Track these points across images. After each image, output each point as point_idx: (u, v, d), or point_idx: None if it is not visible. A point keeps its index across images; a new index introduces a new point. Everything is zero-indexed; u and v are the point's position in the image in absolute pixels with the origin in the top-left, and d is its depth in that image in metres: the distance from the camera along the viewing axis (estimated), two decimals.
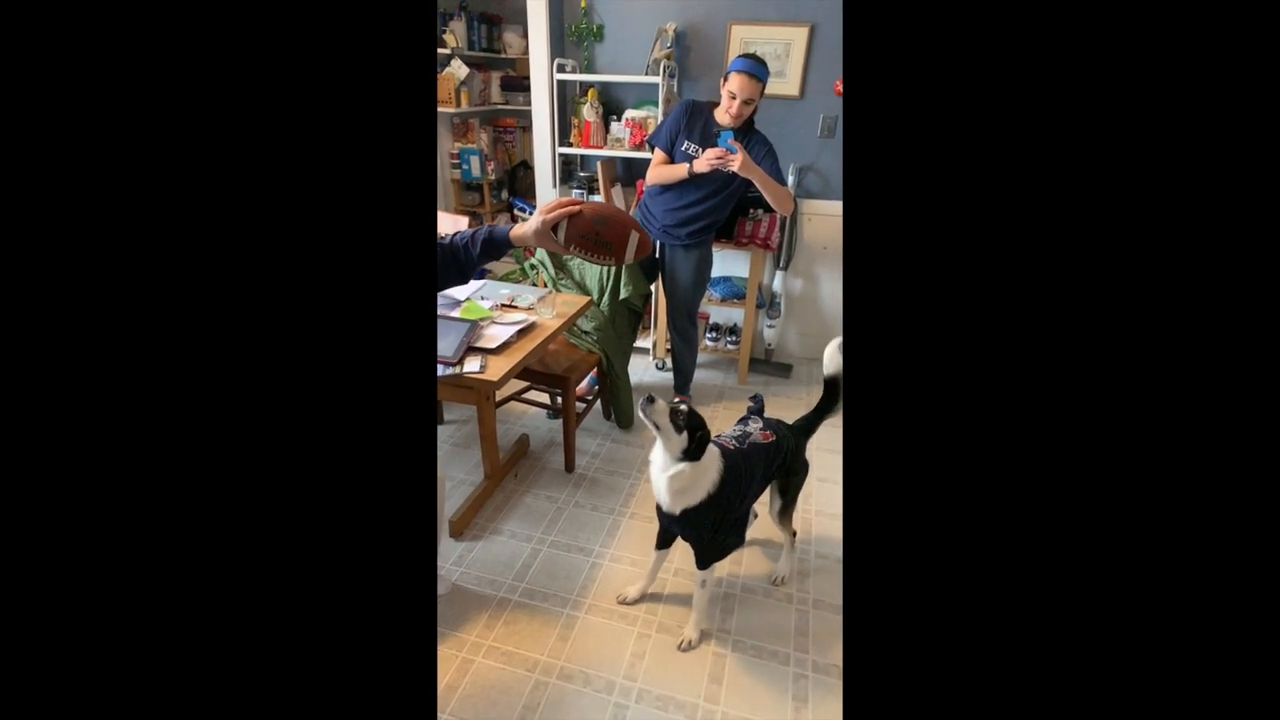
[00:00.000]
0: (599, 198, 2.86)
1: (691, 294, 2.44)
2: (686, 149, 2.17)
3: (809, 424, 1.68)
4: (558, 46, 2.87)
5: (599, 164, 2.93)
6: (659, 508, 1.51)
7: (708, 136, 2.14)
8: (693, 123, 2.17)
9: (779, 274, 2.93)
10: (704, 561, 1.53)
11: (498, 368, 1.69)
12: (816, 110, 2.72)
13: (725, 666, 1.54)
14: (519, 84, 3.53)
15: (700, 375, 2.89)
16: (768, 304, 2.98)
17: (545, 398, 2.57)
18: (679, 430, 1.36)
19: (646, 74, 2.73)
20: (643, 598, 1.71)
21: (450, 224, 2.65)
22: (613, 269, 2.34)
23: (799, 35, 2.61)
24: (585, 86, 2.90)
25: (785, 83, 2.69)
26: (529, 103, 3.00)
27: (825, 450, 2.34)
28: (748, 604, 1.72)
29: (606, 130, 2.85)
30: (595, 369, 2.38)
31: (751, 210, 2.74)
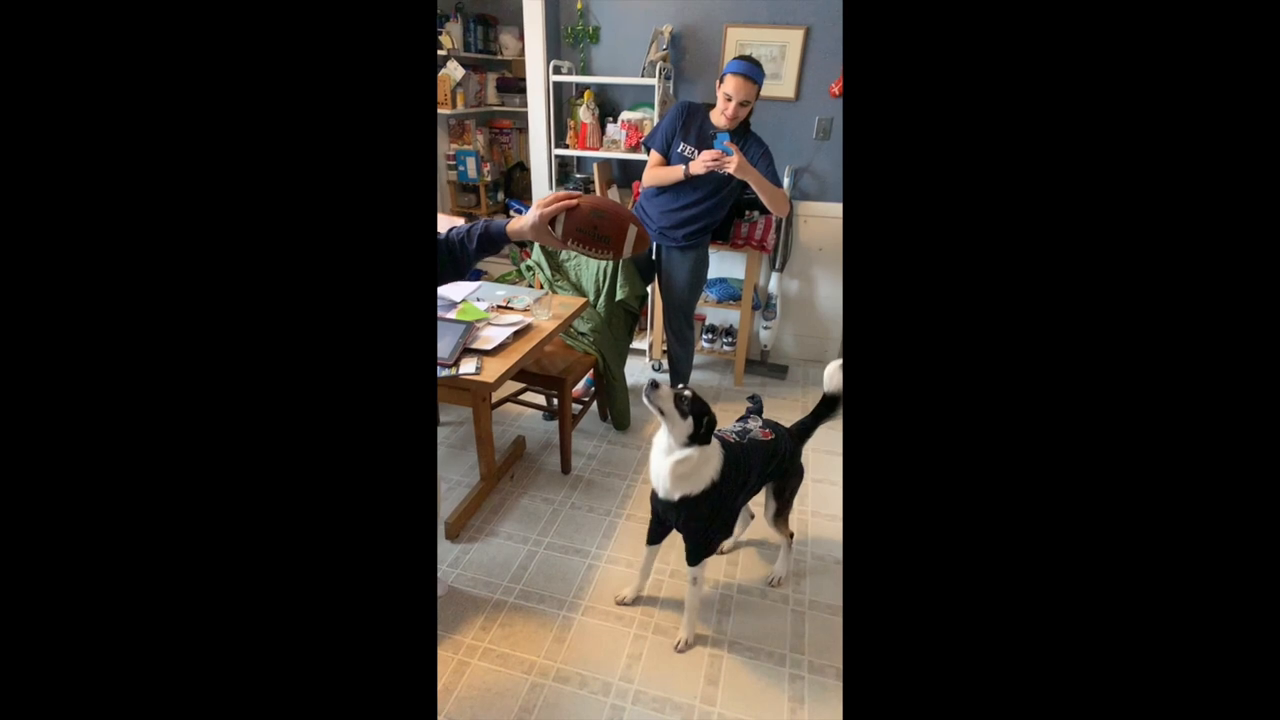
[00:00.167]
0: None
1: (688, 295, 2.44)
2: (682, 151, 2.18)
3: (805, 428, 1.68)
4: (554, 48, 2.88)
5: (595, 166, 2.93)
6: (654, 496, 1.50)
7: (704, 138, 2.14)
8: (689, 125, 2.18)
9: (775, 276, 2.94)
10: (695, 556, 1.53)
11: (494, 369, 1.69)
12: (812, 112, 2.73)
13: (722, 668, 1.54)
14: (515, 85, 3.52)
15: (697, 377, 2.89)
16: (764, 305, 2.99)
17: (541, 399, 2.56)
18: (684, 416, 1.36)
19: (642, 76, 2.74)
20: (639, 596, 1.71)
21: (446, 225, 2.64)
22: (609, 270, 2.33)
23: (794, 38, 2.62)
24: (581, 88, 2.91)
25: (780, 85, 2.69)
26: (525, 104, 3.00)
27: (822, 451, 2.35)
28: (744, 606, 1.72)
29: (602, 132, 2.85)
30: (591, 370, 2.38)
31: (747, 212, 2.75)
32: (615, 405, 2.48)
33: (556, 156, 2.96)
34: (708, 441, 1.40)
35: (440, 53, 3.18)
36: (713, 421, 1.40)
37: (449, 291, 2.08)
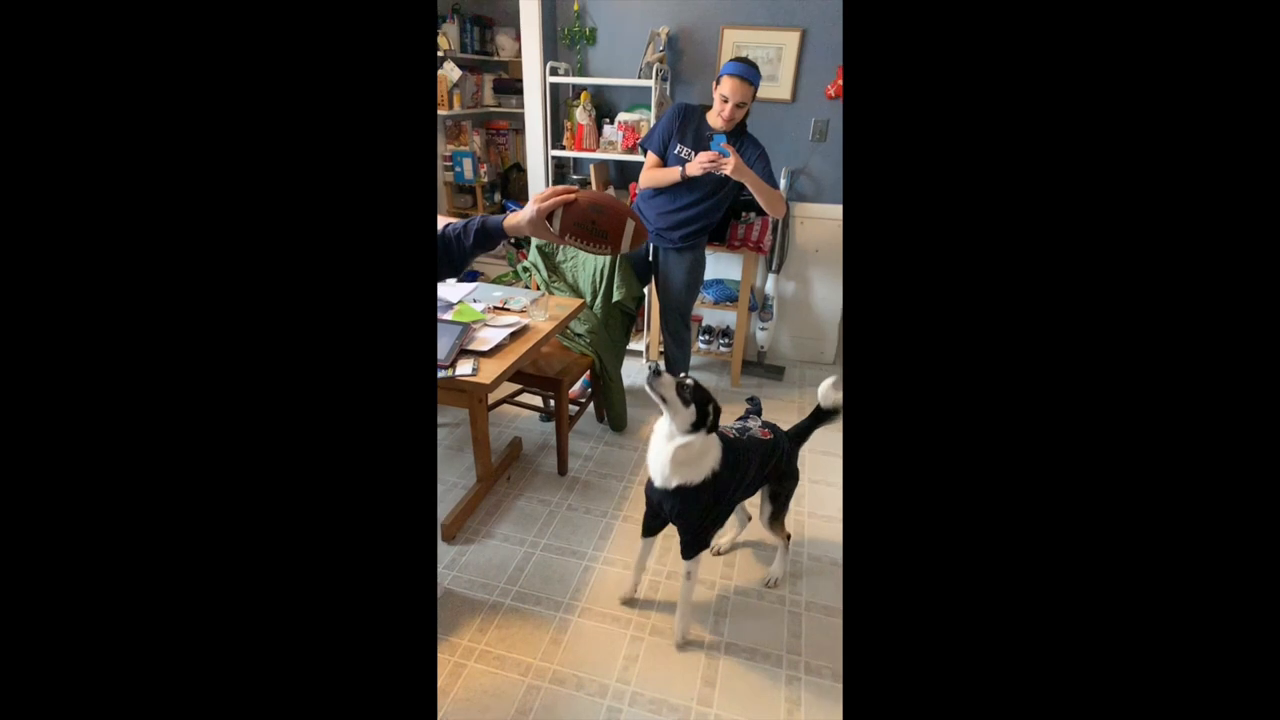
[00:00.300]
0: None
1: (684, 296, 2.44)
2: (679, 152, 2.18)
3: (801, 432, 1.69)
4: (550, 49, 2.88)
5: (592, 167, 2.93)
6: (649, 486, 1.50)
7: (700, 140, 2.15)
8: (685, 126, 2.18)
9: (771, 277, 2.94)
10: (689, 550, 1.52)
11: (490, 370, 1.69)
12: (808, 114, 2.74)
13: (718, 669, 1.54)
14: (512, 87, 3.52)
15: (693, 377, 2.89)
16: (760, 307, 2.99)
17: (538, 400, 2.56)
18: (686, 404, 1.36)
19: (639, 77, 2.74)
20: (637, 590, 1.70)
21: (442, 225, 2.64)
22: (606, 271, 2.33)
23: (790, 39, 2.63)
24: (578, 89, 2.91)
25: (777, 87, 2.70)
26: (522, 105, 2.99)
27: (818, 452, 2.35)
28: (741, 607, 1.72)
29: (599, 133, 2.85)
30: (588, 372, 2.37)
31: (744, 213, 2.75)
32: (612, 406, 2.47)
33: (553, 158, 2.96)
34: (715, 428, 1.40)
35: (437, 54, 3.18)
36: (718, 409, 1.40)
37: (445, 293, 2.08)
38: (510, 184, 3.82)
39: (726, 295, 2.91)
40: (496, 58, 3.59)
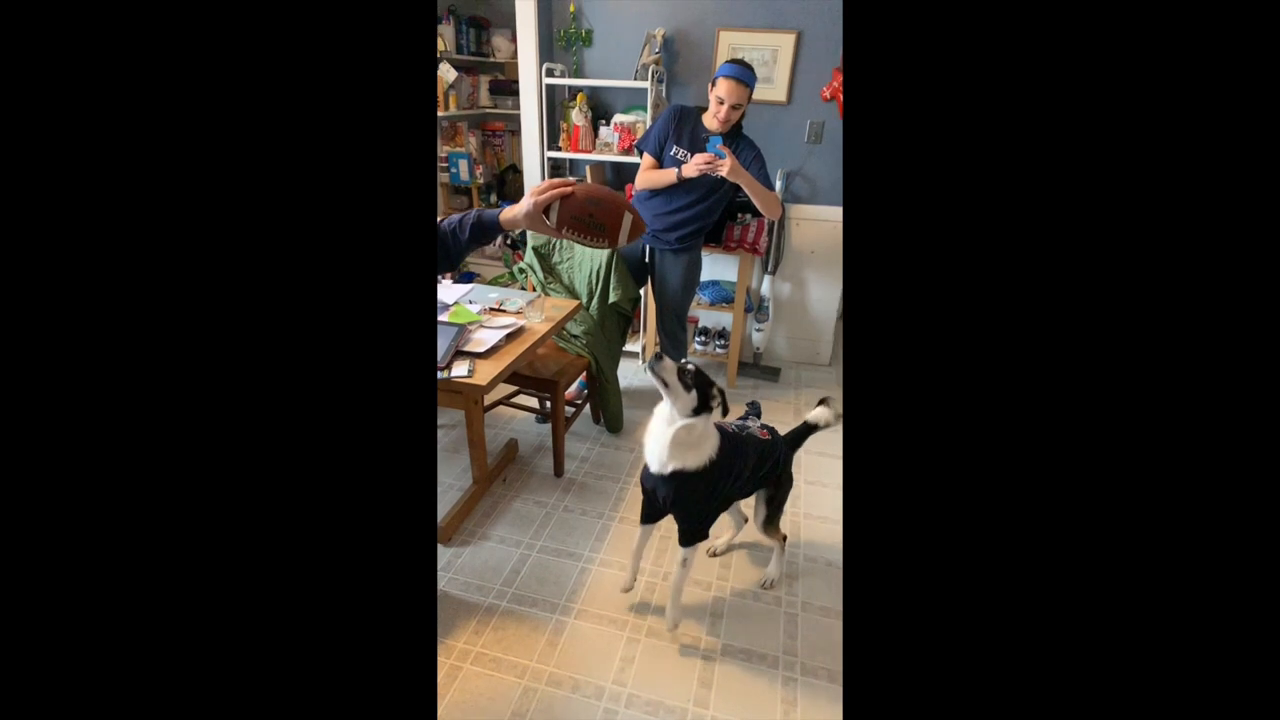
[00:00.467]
0: None
1: (681, 298, 2.44)
2: (675, 154, 2.18)
3: (796, 438, 1.70)
4: (546, 51, 2.88)
5: (588, 168, 2.93)
6: (645, 472, 1.50)
7: (696, 141, 2.15)
8: (681, 128, 2.18)
9: (767, 278, 2.95)
10: (687, 538, 1.52)
11: (486, 372, 1.68)
12: (804, 116, 2.75)
13: (714, 671, 1.54)
14: (508, 88, 3.52)
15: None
16: (756, 308, 2.99)
17: (534, 402, 2.56)
18: (687, 389, 1.37)
19: (635, 79, 2.74)
20: (635, 579, 1.69)
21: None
22: (602, 272, 2.33)
23: (786, 42, 2.64)
24: (574, 91, 2.91)
25: (772, 89, 2.71)
26: (518, 107, 2.99)
27: (814, 454, 2.35)
28: (737, 609, 1.72)
29: (595, 135, 2.85)
30: (584, 373, 2.37)
31: (740, 215, 2.76)
32: (608, 408, 2.47)
33: (549, 159, 2.96)
34: (727, 409, 1.41)
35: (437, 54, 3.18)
36: (723, 391, 1.41)
37: (441, 294, 2.07)
38: (506, 185, 3.82)
39: (722, 296, 2.91)
40: (492, 59, 3.58)
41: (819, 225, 2.88)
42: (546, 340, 1.99)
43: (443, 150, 3.48)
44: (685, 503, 1.48)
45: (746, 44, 2.68)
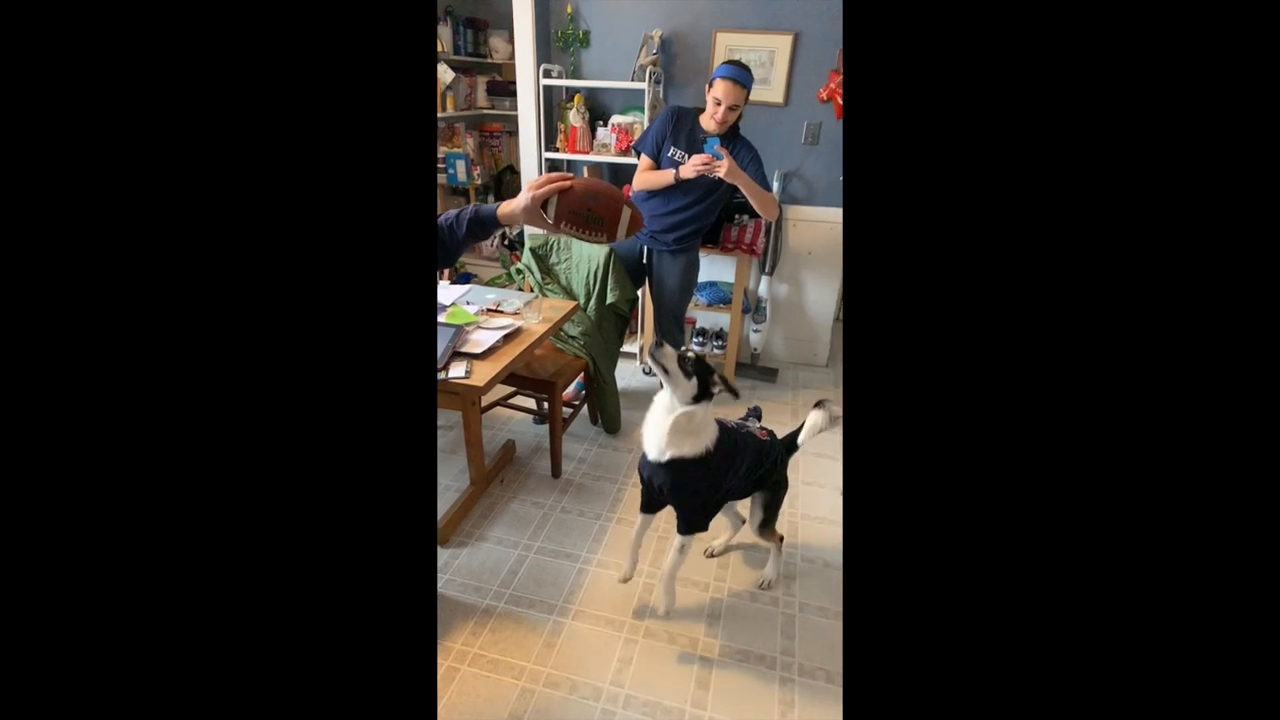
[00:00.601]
0: None
1: (678, 299, 2.44)
2: (672, 155, 2.18)
3: (793, 440, 1.70)
4: (544, 52, 2.88)
5: (585, 169, 2.93)
6: (643, 460, 1.50)
7: (693, 142, 2.15)
8: (678, 129, 2.19)
9: (764, 279, 2.95)
10: (687, 526, 1.52)
11: (483, 373, 1.68)
12: (801, 117, 2.75)
13: (712, 672, 1.54)
14: (505, 89, 3.52)
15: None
16: (753, 309, 3.00)
17: (531, 403, 2.55)
18: (688, 376, 1.37)
19: (632, 80, 2.74)
20: (634, 570, 1.67)
21: None
22: (600, 273, 2.33)
23: (783, 43, 2.64)
24: (571, 92, 2.91)
25: (769, 90, 2.71)
26: (515, 108, 2.99)
27: (811, 454, 2.35)
28: (734, 610, 1.72)
29: (593, 136, 2.85)
30: (582, 374, 2.37)
31: (737, 216, 2.76)
32: (606, 409, 2.47)
33: (546, 160, 2.96)
34: (736, 394, 1.43)
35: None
36: (724, 378, 1.42)
37: (439, 295, 2.07)
38: (504, 186, 3.82)
39: (720, 297, 2.92)
40: (490, 60, 3.59)
41: (816, 226, 2.88)
42: (544, 341, 1.99)
43: (440, 151, 3.48)
44: (683, 490, 1.47)
45: (743, 45, 2.68)
